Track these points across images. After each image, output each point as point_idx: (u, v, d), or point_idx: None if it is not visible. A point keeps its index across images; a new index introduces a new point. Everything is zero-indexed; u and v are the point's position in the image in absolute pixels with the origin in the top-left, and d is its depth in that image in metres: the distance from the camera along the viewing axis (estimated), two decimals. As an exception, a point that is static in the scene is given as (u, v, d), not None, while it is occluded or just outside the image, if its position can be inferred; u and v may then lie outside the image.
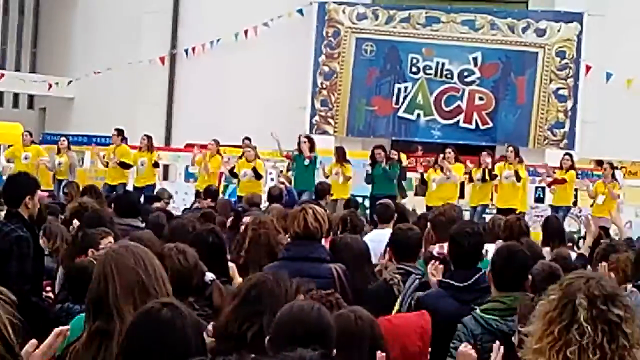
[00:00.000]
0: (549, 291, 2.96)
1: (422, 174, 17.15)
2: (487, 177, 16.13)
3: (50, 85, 25.53)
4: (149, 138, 17.89)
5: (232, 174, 17.30)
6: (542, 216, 16.43)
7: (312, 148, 16.54)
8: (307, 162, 16.34)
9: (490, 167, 16.25)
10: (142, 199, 14.96)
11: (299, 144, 16.71)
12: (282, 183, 15.58)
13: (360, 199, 16.25)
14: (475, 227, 5.47)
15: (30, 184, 6.16)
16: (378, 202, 9.66)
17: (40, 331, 4.83)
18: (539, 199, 18.22)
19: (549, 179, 16.92)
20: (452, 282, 5.14)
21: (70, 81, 25.15)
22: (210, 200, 13.05)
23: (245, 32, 22.60)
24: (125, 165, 17.68)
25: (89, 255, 6.03)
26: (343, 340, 3.55)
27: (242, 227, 7.05)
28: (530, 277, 5.00)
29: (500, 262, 4.89)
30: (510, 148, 16.72)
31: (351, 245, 6.08)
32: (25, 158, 18.26)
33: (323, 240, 5.81)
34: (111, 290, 3.27)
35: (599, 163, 16.95)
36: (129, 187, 16.97)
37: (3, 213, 6.39)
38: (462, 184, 17.09)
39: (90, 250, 6.19)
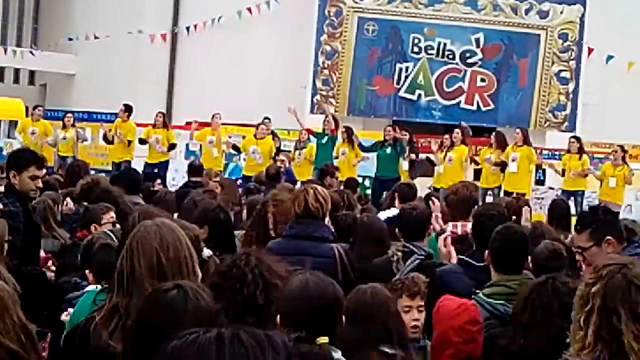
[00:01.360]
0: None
1: (427, 157, 16.98)
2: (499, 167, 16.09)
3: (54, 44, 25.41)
4: (164, 115, 17.93)
5: (235, 148, 17.40)
6: (542, 198, 16.51)
7: (336, 126, 16.75)
8: (325, 139, 16.38)
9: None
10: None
11: (324, 122, 16.86)
12: (282, 161, 15.55)
13: (360, 180, 16.25)
14: (500, 209, 5.48)
15: (22, 160, 6.02)
16: (401, 183, 9.71)
17: (37, 298, 4.87)
18: (540, 182, 18.22)
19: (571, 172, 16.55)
20: (471, 260, 5.15)
21: (70, 39, 24.99)
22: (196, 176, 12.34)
23: (249, 10, 22.54)
24: (143, 141, 17.65)
25: (92, 231, 6.07)
26: (357, 314, 3.65)
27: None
28: (530, 258, 4.99)
29: (500, 243, 4.86)
30: (518, 130, 16.65)
31: (366, 223, 6.17)
32: (32, 133, 18.34)
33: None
34: (135, 268, 3.28)
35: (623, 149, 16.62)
36: (140, 164, 16.91)
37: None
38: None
39: (93, 225, 6.22)
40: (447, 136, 16.77)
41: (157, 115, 17.77)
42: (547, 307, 3.89)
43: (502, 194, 15.21)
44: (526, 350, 3.80)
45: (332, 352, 3.15)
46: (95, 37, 23.29)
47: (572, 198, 15.65)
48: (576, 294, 2.92)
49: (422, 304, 4.54)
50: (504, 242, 4.86)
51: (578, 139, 16.93)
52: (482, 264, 5.05)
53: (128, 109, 17.83)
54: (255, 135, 16.96)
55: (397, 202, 8.75)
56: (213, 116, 17.64)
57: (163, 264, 3.25)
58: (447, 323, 4.36)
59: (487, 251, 4.97)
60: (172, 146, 17.74)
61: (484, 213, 5.33)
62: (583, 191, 16.42)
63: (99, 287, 4.12)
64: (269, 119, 17.78)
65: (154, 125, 17.62)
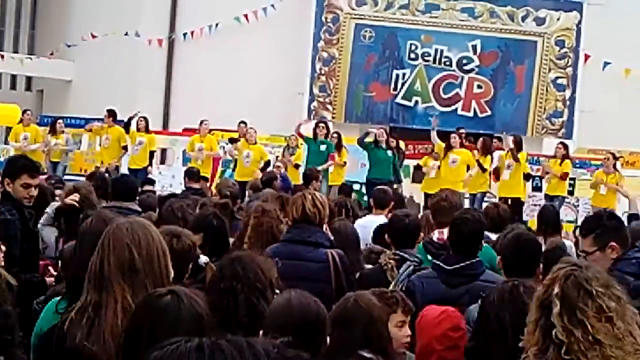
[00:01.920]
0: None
1: (417, 164, 17.03)
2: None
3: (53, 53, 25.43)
4: (146, 119, 17.87)
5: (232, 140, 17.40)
6: (539, 205, 16.49)
7: (327, 134, 16.72)
8: (323, 147, 16.38)
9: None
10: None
11: (314, 129, 16.80)
12: (279, 167, 15.53)
13: (356, 186, 16.25)
14: (476, 214, 5.45)
15: (14, 168, 5.96)
16: (375, 188, 9.61)
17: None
18: (537, 188, 18.21)
19: (547, 175, 16.71)
20: (442, 264, 5.14)
21: (69, 45, 25.00)
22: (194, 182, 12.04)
23: (245, 16, 22.56)
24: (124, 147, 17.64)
25: None
26: (338, 320, 3.67)
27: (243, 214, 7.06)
28: (541, 265, 4.92)
29: (511, 249, 4.85)
30: (512, 138, 16.68)
31: (338, 231, 6.12)
32: (25, 138, 18.35)
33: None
34: (105, 265, 3.30)
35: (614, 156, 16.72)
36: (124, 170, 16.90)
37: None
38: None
39: None
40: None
41: (139, 119, 17.75)
42: (520, 310, 3.77)
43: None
44: (487, 355, 3.76)
45: None
46: (93, 36, 23.27)
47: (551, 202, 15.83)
48: (534, 296, 2.98)
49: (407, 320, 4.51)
50: (515, 248, 4.84)
51: (565, 146, 16.96)
52: (451, 267, 5.04)
53: (112, 114, 17.77)
54: (244, 139, 16.97)
55: (374, 209, 8.76)
56: (201, 122, 17.63)
57: (135, 260, 3.27)
58: (430, 332, 4.35)
59: (498, 257, 4.97)
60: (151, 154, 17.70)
61: (459, 217, 5.32)
62: (563, 197, 16.54)
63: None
64: (245, 122, 17.75)
65: (138, 129, 17.59)
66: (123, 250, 3.29)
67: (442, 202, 6.50)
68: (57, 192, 8.76)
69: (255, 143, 16.95)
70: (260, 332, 3.23)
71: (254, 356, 1.92)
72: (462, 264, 5.04)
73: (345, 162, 16.85)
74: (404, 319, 4.43)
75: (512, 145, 16.25)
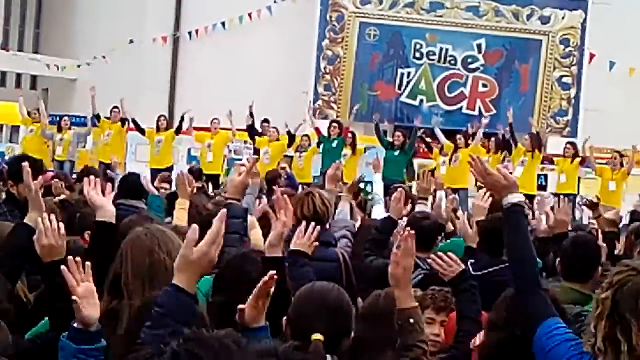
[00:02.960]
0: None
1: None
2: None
3: (57, 67, 25.52)
4: (167, 118, 18.03)
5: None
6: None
7: (340, 133, 16.82)
8: (335, 143, 16.44)
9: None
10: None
11: (328, 128, 16.94)
12: (283, 168, 15.52)
13: (364, 185, 16.24)
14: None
15: (18, 169, 5.66)
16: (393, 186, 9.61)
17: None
18: (541, 187, 18.20)
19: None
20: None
21: (79, 65, 25.09)
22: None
23: (249, 15, 22.57)
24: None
25: (86, 238, 5.96)
26: (369, 316, 3.68)
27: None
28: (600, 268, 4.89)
29: (569, 252, 4.84)
30: (526, 136, 16.70)
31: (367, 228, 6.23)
32: (30, 131, 18.53)
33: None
34: (124, 271, 3.33)
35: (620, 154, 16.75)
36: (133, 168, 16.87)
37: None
38: None
39: (86, 232, 6.09)
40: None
41: (162, 118, 17.84)
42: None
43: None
44: (488, 347, 3.74)
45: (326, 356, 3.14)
46: (103, 57, 23.30)
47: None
48: (593, 299, 2.90)
49: (446, 319, 4.49)
50: (572, 251, 4.83)
51: (574, 145, 17.02)
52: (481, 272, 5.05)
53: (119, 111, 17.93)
54: (266, 137, 17.08)
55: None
56: (212, 120, 17.68)
57: (154, 266, 3.29)
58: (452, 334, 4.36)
59: (557, 259, 4.98)
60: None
61: (493, 220, 5.39)
62: (575, 194, 16.53)
63: None
64: (267, 121, 17.85)
65: (157, 128, 17.64)
66: (142, 257, 3.31)
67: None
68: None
69: (276, 139, 17.09)
70: (284, 320, 3.23)
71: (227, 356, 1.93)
72: (489, 270, 5.11)
73: (365, 148, 17.00)
74: (433, 316, 4.40)
75: (529, 141, 16.23)
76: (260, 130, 17.94)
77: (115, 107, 18.03)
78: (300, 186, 12.51)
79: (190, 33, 23.29)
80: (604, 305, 2.75)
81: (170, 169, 17.06)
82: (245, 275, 3.51)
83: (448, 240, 6.92)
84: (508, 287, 3.49)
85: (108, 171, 12.12)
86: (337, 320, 3.16)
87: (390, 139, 17.03)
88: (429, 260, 4.49)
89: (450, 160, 16.41)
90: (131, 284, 3.30)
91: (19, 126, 20.22)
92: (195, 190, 7.32)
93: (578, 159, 16.64)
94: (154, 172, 16.06)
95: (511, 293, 3.39)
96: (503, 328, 3.48)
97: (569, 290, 4.58)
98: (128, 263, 3.33)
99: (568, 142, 17.59)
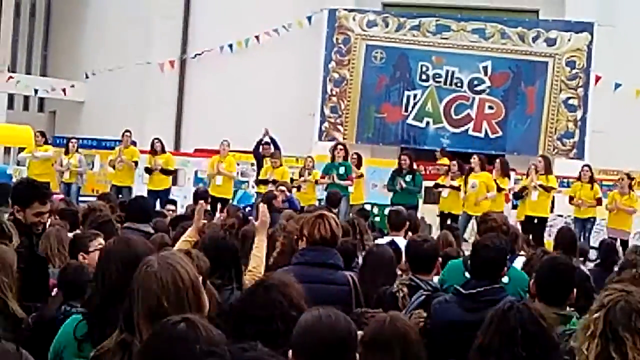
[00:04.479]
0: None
1: (436, 183, 16.97)
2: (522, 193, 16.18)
3: (64, 90, 25.63)
4: (161, 141, 18.00)
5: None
6: (552, 226, 16.48)
7: (345, 157, 16.75)
8: (342, 169, 16.40)
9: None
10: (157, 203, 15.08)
11: (333, 151, 16.90)
12: (282, 191, 15.46)
13: (369, 207, 16.26)
14: (498, 241, 5.39)
15: (24, 196, 5.77)
16: (390, 209, 9.58)
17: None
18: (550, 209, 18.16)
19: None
20: (460, 289, 5.15)
21: (87, 76, 25.18)
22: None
23: (256, 37, 22.66)
24: (167, 172, 17.71)
25: (79, 260, 5.97)
26: (374, 343, 3.66)
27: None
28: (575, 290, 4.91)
29: (545, 273, 4.87)
30: (540, 159, 16.65)
31: (377, 253, 6.18)
32: (36, 157, 18.44)
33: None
34: (135, 308, 3.32)
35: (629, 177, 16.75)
36: (143, 191, 16.91)
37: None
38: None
39: (80, 254, 6.11)
40: (454, 162, 16.86)
41: (156, 141, 17.87)
42: (509, 333, 3.65)
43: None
44: None
45: None
46: (109, 70, 23.40)
47: (583, 226, 15.92)
48: (579, 323, 2.92)
49: None
50: (549, 272, 4.86)
51: (590, 168, 16.95)
52: (469, 292, 5.05)
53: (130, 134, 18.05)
54: (270, 164, 17.03)
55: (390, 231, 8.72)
56: (222, 142, 17.73)
57: (163, 306, 3.25)
58: None
59: (531, 281, 4.99)
60: (165, 172, 17.73)
61: (481, 243, 5.36)
62: (594, 218, 16.45)
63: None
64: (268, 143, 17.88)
65: (154, 152, 17.69)
66: (152, 299, 3.28)
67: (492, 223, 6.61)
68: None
69: (281, 166, 16.98)
70: (290, 353, 3.21)
71: None
72: (479, 289, 5.04)
73: (362, 174, 16.94)
74: None
75: (541, 166, 16.14)
76: (260, 150, 17.92)
77: (127, 131, 18.07)
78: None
79: (196, 56, 23.38)
80: (595, 326, 2.79)
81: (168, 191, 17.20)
82: None
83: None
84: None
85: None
86: (344, 354, 3.15)
87: (397, 163, 16.83)
88: None
89: (463, 186, 16.21)
90: (142, 324, 3.29)
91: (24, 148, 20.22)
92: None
93: (597, 186, 16.63)
94: (152, 194, 16.21)
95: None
96: (495, 353, 3.50)
97: (550, 312, 4.55)
98: (139, 305, 3.32)
99: (585, 165, 17.46)
